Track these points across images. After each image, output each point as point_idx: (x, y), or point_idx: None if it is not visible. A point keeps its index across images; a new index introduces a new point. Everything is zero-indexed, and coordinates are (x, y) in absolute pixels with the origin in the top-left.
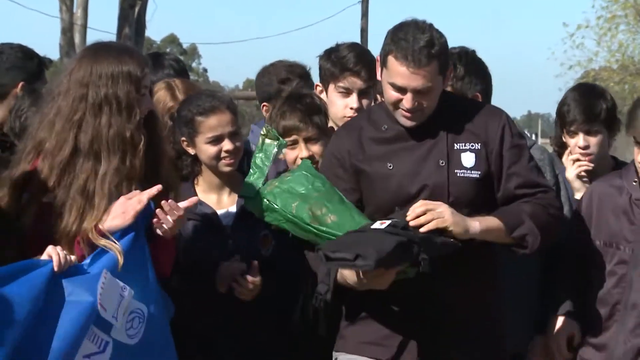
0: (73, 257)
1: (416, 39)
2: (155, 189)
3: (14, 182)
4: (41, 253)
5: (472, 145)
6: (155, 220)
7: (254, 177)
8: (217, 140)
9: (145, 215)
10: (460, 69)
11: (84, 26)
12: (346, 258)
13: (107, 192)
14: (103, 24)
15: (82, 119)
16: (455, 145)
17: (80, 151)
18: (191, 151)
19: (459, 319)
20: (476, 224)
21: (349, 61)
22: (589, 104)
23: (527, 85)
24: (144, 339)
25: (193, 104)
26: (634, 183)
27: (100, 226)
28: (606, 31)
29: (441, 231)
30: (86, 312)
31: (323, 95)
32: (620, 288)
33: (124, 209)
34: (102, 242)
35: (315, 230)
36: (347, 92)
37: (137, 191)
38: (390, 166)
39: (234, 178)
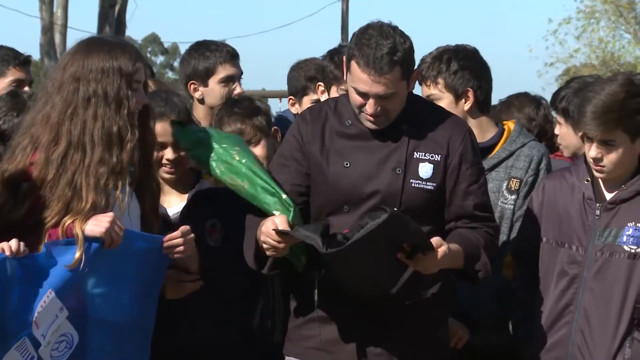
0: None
1: (379, 45)
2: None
3: (9, 176)
4: (30, 245)
5: (432, 156)
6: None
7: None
8: (159, 147)
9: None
10: (454, 64)
11: (64, 26)
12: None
13: (93, 184)
14: (83, 23)
15: (73, 112)
16: (415, 153)
17: (71, 144)
18: None
19: (403, 323)
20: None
21: None
22: None
23: (510, 84)
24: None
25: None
26: (586, 182)
27: (80, 224)
28: (586, 26)
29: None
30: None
31: (325, 97)
32: (573, 289)
33: (103, 222)
34: (80, 236)
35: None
36: None
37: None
38: (347, 164)
39: (186, 177)
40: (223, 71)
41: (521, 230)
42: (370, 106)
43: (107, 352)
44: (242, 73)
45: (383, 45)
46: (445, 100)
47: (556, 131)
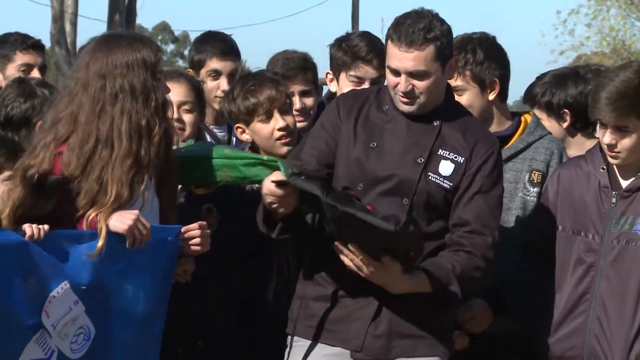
0: (46, 227)
1: (414, 23)
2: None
3: (31, 175)
4: None
5: (455, 157)
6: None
7: None
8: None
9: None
10: (480, 54)
11: (75, 14)
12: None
13: (117, 177)
14: (94, 12)
15: (102, 109)
16: (440, 150)
17: (99, 141)
18: None
19: (406, 306)
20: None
21: (360, 50)
22: None
23: (519, 72)
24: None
25: None
26: (602, 170)
27: (104, 217)
28: (597, 14)
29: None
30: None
31: (334, 84)
32: (590, 277)
33: (127, 219)
34: (103, 229)
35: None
36: (359, 81)
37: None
38: (373, 144)
39: None
40: (211, 64)
41: (534, 222)
42: (401, 84)
43: (130, 342)
44: (236, 69)
45: (419, 23)
46: (470, 92)
47: None
